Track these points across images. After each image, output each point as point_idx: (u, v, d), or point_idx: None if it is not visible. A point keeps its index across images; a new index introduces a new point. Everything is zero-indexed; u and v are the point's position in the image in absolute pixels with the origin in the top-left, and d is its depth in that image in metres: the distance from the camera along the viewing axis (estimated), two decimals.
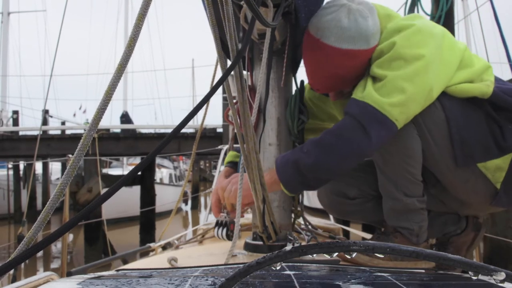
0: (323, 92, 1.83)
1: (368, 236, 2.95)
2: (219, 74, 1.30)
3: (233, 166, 1.97)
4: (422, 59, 1.52)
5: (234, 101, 1.38)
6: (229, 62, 1.18)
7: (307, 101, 2.01)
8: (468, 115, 1.60)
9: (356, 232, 3.27)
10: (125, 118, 20.29)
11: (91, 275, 1.17)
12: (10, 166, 18.19)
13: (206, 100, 0.99)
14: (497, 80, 1.70)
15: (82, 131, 15.34)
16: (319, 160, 1.53)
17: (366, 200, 1.87)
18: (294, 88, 1.92)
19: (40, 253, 10.95)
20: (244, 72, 1.77)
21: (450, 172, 1.66)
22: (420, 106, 1.55)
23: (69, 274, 1.48)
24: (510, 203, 1.71)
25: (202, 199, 25.88)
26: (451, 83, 1.61)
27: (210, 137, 12.23)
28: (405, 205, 1.66)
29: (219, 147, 5.02)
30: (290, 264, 1.24)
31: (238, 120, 1.37)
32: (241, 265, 0.73)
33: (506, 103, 1.61)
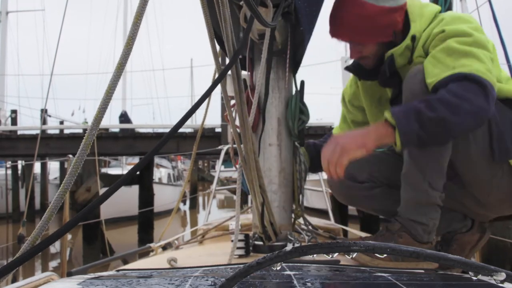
0: (343, 40, 1.84)
1: (368, 236, 2.94)
2: None
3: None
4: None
5: (232, 102, 1.38)
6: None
7: (347, 105, 2.11)
8: (503, 113, 1.66)
9: (356, 232, 3.27)
10: (124, 117, 20.27)
11: (91, 275, 1.17)
12: (8, 165, 18.16)
13: (202, 100, 0.99)
14: None
15: (80, 131, 15.33)
16: (443, 114, 1.51)
17: (374, 186, 1.87)
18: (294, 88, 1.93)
19: (38, 253, 10.92)
20: (244, 72, 1.77)
21: (480, 167, 1.68)
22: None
23: (69, 274, 1.48)
24: None
25: (200, 199, 25.87)
26: None
27: (209, 137, 12.21)
28: (428, 197, 1.65)
29: (220, 147, 5.01)
30: (290, 264, 1.24)
31: (236, 122, 1.37)
32: (241, 265, 0.73)
33: None
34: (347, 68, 1.97)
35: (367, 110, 2.02)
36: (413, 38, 1.73)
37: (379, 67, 1.81)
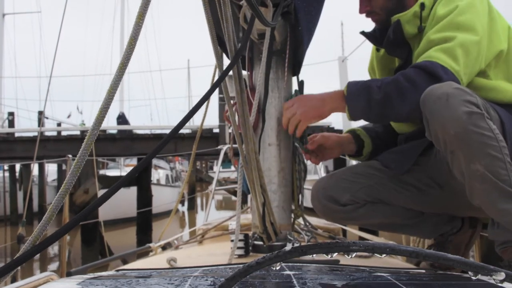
0: None
1: (367, 235, 2.94)
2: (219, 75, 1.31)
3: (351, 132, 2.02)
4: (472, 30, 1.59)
5: (232, 102, 1.38)
6: (227, 62, 1.18)
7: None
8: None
9: (356, 232, 3.27)
10: (122, 119, 20.25)
11: (91, 275, 1.17)
12: (6, 168, 18.11)
13: (204, 100, 0.99)
14: None
15: (78, 133, 15.30)
16: (388, 96, 1.59)
17: (358, 206, 1.84)
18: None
19: (37, 255, 10.90)
20: (244, 72, 1.77)
21: None
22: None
23: (69, 274, 1.48)
24: None
25: (198, 200, 25.84)
26: (491, 75, 1.64)
27: (207, 137, 12.21)
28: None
29: (219, 147, 5.02)
30: (290, 264, 1.24)
31: (237, 121, 1.37)
32: (241, 265, 0.73)
33: None
34: (363, 33, 1.93)
35: None
36: (422, 5, 1.70)
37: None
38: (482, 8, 1.64)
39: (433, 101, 1.45)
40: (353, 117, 1.67)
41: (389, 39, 1.79)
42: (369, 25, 1.94)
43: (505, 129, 1.53)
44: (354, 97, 1.64)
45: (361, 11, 1.83)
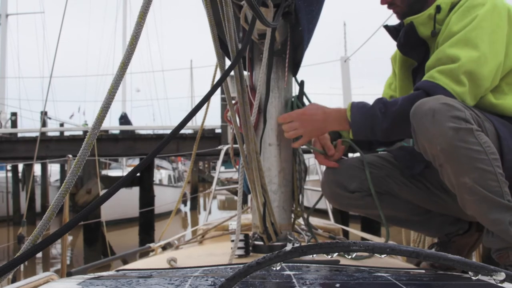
0: None
1: (367, 236, 2.94)
2: (219, 75, 1.31)
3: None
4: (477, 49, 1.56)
5: (233, 102, 1.38)
6: (228, 63, 1.18)
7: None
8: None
9: (356, 232, 3.27)
10: (124, 119, 20.28)
11: (91, 275, 1.17)
12: (8, 168, 18.14)
13: (205, 100, 0.99)
14: None
15: (80, 133, 15.34)
16: (394, 124, 1.61)
17: (365, 195, 1.85)
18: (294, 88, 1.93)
19: (39, 255, 10.93)
20: (244, 72, 1.77)
21: None
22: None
23: (69, 275, 1.48)
24: None
25: (201, 200, 25.87)
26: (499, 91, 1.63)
27: (209, 137, 12.23)
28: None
29: (219, 147, 5.02)
30: (290, 264, 1.24)
31: (238, 122, 1.37)
32: (241, 265, 0.73)
33: None
34: (386, 27, 1.92)
35: (397, 78, 1.98)
36: (438, 8, 1.68)
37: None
38: (500, 19, 1.61)
39: (420, 116, 1.46)
40: (356, 138, 1.72)
41: (400, 41, 1.79)
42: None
43: (501, 141, 1.52)
44: (359, 125, 1.66)
45: (382, 2, 1.82)
